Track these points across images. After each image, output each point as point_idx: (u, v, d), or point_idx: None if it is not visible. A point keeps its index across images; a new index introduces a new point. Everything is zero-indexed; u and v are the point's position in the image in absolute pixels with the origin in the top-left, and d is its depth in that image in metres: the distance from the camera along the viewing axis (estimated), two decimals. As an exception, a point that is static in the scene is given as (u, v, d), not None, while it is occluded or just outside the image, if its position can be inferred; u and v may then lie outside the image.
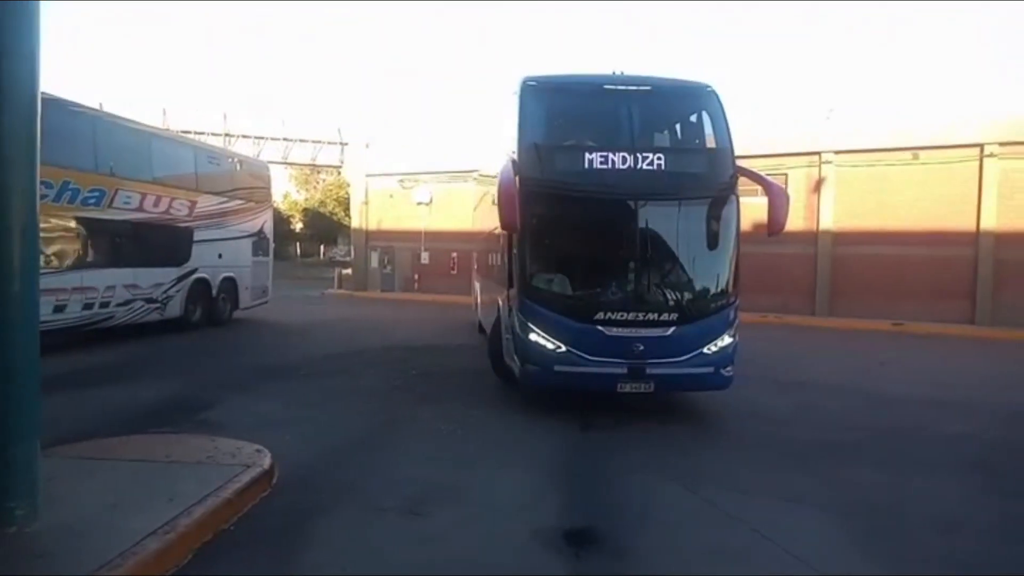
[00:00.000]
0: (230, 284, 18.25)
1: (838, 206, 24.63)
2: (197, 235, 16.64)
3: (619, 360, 8.25)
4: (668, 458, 7.07)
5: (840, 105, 28.70)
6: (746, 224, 9.08)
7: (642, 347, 8.24)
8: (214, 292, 17.52)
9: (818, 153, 24.76)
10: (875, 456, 7.35)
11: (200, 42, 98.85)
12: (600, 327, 8.24)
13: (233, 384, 10.23)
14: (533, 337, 8.44)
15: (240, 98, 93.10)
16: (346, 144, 37.52)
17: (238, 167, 19.36)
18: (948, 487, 6.39)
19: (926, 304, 22.78)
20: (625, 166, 8.37)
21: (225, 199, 17.94)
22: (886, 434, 8.33)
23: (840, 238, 24.52)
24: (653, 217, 8.47)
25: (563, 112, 9.42)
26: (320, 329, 18.44)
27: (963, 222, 22.87)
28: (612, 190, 8.40)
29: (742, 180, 8.91)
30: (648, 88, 9.28)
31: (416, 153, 33.14)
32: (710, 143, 9.20)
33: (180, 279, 16.14)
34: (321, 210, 65.14)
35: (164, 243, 15.65)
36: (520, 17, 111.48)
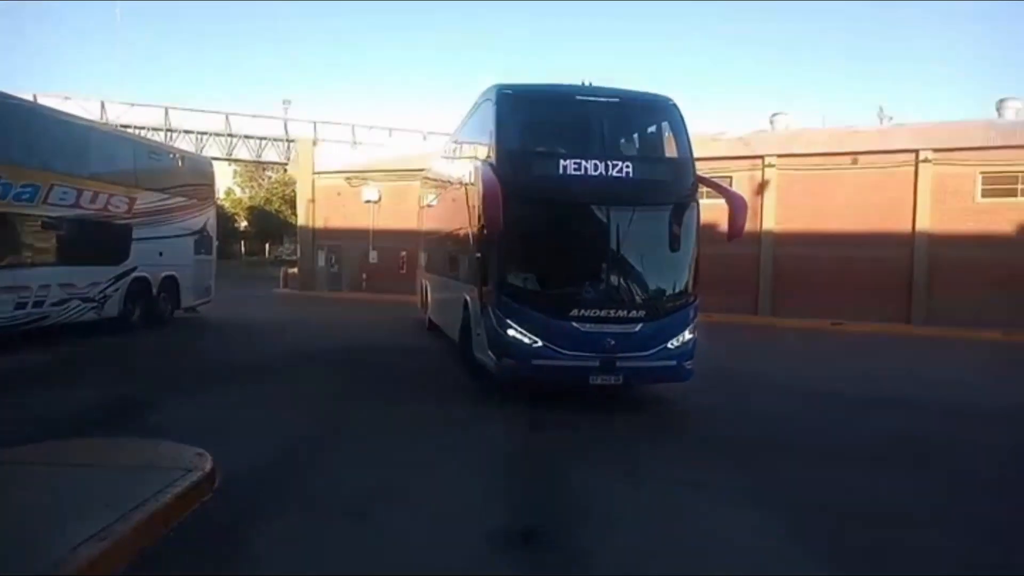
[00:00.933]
0: (171, 283, 17.75)
1: (780, 208, 25.23)
2: (136, 232, 16.15)
3: (591, 354, 8.74)
4: (615, 456, 7.15)
5: (783, 110, 29.36)
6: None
7: (613, 342, 8.76)
8: (154, 291, 17.02)
9: (761, 157, 25.35)
10: (812, 452, 7.54)
11: (141, 36, 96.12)
12: (575, 323, 8.75)
13: (174, 386, 9.96)
14: (511, 332, 8.87)
15: (182, 93, 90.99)
16: (292, 141, 36.91)
17: (180, 163, 18.90)
18: (882, 481, 6.59)
19: (864, 304, 23.48)
20: (597, 173, 8.94)
21: (166, 196, 17.45)
22: (823, 430, 8.58)
23: (782, 239, 25.12)
24: (622, 221, 8.96)
25: (537, 120, 9.92)
26: (265, 329, 18.14)
27: (899, 225, 23.67)
28: (585, 195, 8.98)
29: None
30: (617, 100, 9.91)
31: (365, 151, 32.82)
32: (673, 153, 9.83)
33: (118, 278, 15.64)
34: (267, 208, 64.03)
35: (102, 241, 15.15)
36: (470, 21, 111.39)
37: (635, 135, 10.60)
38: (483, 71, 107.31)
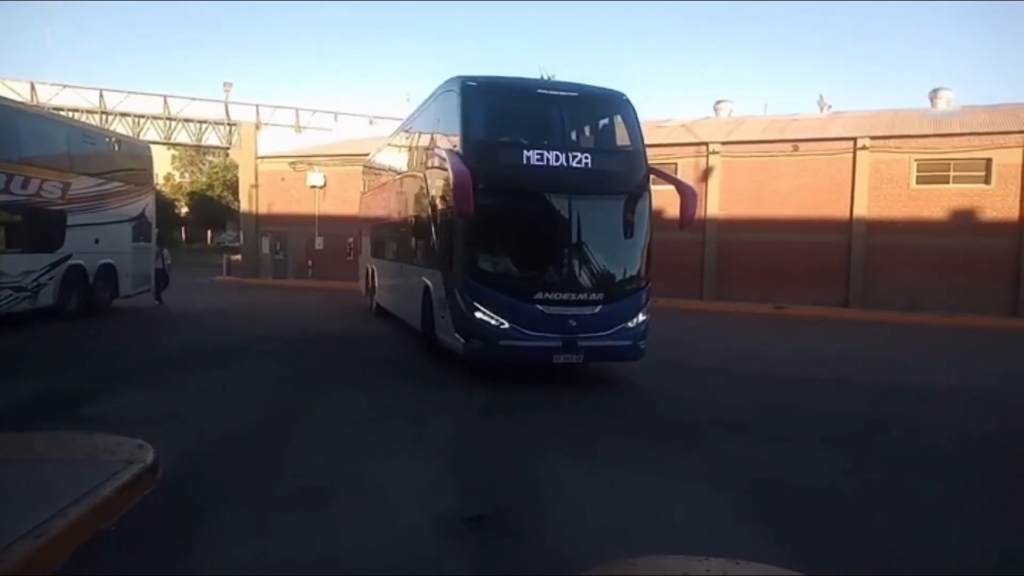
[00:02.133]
0: (109, 271, 17.24)
1: (724, 195, 25.69)
2: (71, 219, 15.63)
3: (554, 335, 9.29)
4: (566, 440, 7.21)
5: (726, 98, 29.83)
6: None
7: (574, 323, 9.32)
8: (91, 279, 16.51)
9: (705, 144, 25.74)
10: (759, 433, 7.73)
11: (72, 15, 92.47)
12: (539, 305, 9.27)
13: (113, 377, 9.70)
14: (478, 315, 9.31)
15: (118, 75, 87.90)
16: (234, 125, 35.99)
17: (116, 147, 18.34)
18: (823, 460, 6.79)
19: (805, 288, 24.12)
20: (558, 163, 9.46)
21: (102, 181, 16.93)
22: (768, 412, 8.78)
23: (725, 225, 25.59)
24: (582, 209, 9.44)
25: (500, 111, 10.30)
26: (208, 318, 17.78)
27: (838, 211, 24.34)
28: (548, 184, 9.44)
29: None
30: (575, 93, 10.39)
31: (309, 136, 32.26)
32: (626, 145, 10.38)
33: (53, 266, 15.12)
34: (208, 194, 62.51)
35: (34, 228, 14.64)
36: (416, 5, 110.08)
37: (592, 127, 11.03)
38: (429, 57, 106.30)
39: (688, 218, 10.18)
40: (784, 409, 8.96)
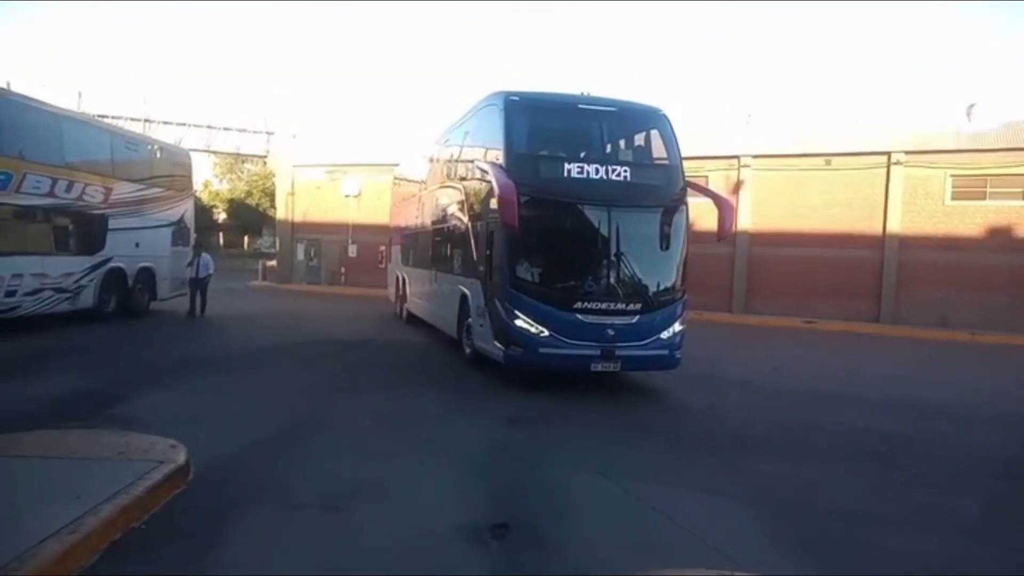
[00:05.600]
0: (147, 274, 17.69)
1: (755, 208, 25.51)
2: (112, 223, 16.09)
3: (593, 343, 9.52)
4: (590, 450, 7.27)
5: (758, 111, 29.61)
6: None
7: (612, 332, 9.56)
8: (130, 282, 16.95)
9: (737, 157, 25.59)
10: (784, 448, 7.73)
11: (121, 24, 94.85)
12: (578, 315, 9.52)
13: (148, 377, 9.97)
14: (519, 323, 9.58)
15: (161, 82, 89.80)
16: (272, 133, 36.71)
17: (158, 154, 18.80)
18: (851, 478, 6.76)
19: (835, 303, 23.87)
20: (598, 176, 9.71)
21: (143, 186, 17.40)
22: (795, 427, 8.75)
23: (756, 239, 25.40)
24: (621, 221, 9.68)
25: (542, 126, 10.69)
26: (242, 322, 18.08)
27: (870, 226, 24.05)
28: (588, 197, 9.68)
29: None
30: (614, 109, 10.71)
31: (345, 145, 32.71)
32: (663, 158, 10.60)
33: (93, 268, 15.57)
34: (246, 200, 63.46)
35: (76, 231, 15.12)
36: (446, 19, 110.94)
37: (630, 141, 11.31)
38: (463, 71, 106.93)
39: (725, 231, 10.48)
40: (811, 425, 8.92)
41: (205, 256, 18.67)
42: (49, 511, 4.42)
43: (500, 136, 10.09)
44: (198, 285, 18.23)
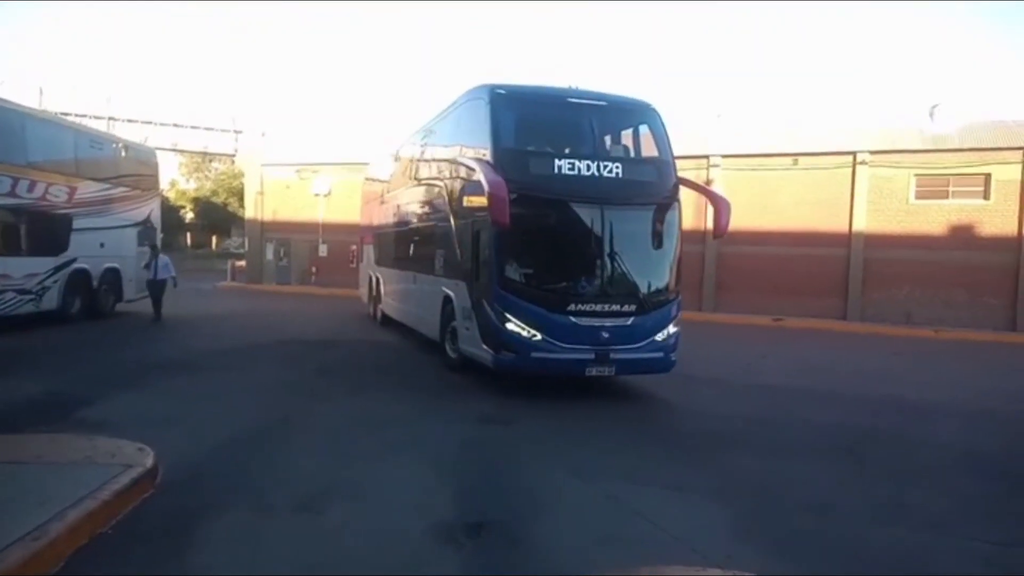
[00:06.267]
0: (113, 275, 17.43)
1: (725, 207, 25.68)
2: (77, 223, 15.83)
3: (587, 346, 9.22)
4: (562, 450, 7.30)
5: (727, 110, 29.91)
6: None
7: (607, 335, 9.26)
8: (95, 283, 16.69)
9: (706, 156, 25.82)
10: (755, 444, 7.82)
11: (83, 20, 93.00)
12: (572, 317, 9.19)
13: (115, 380, 9.81)
14: (510, 326, 9.22)
15: (126, 80, 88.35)
16: (240, 132, 36.37)
17: (123, 153, 18.51)
18: (820, 472, 6.88)
19: (803, 301, 24.21)
20: (589, 173, 9.41)
21: (108, 186, 17.15)
22: (764, 423, 8.87)
23: (725, 237, 25.52)
24: (615, 220, 9.40)
25: (530, 120, 10.31)
26: (211, 323, 17.89)
27: (837, 224, 24.42)
28: (580, 194, 9.36)
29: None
30: (604, 103, 10.45)
31: (314, 143, 32.46)
32: (655, 154, 10.36)
33: (57, 269, 15.30)
34: (213, 200, 62.73)
35: (39, 231, 14.83)
36: (412, 17, 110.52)
37: (621, 136, 10.94)
38: (433, 68, 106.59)
39: (722, 228, 10.35)
40: (782, 421, 9.04)
41: (163, 257, 17.51)
42: (13, 517, 4.35)
43: (486, 131, 9.74)
44: (157, 287, 17.28)
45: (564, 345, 9.19)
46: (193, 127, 36.81)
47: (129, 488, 5.11)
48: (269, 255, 33.28)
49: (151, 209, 19.37)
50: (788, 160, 25.00)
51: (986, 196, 22.91)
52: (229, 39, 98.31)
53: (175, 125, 36.26)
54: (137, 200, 18.51)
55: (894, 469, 7.13)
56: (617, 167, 9.64)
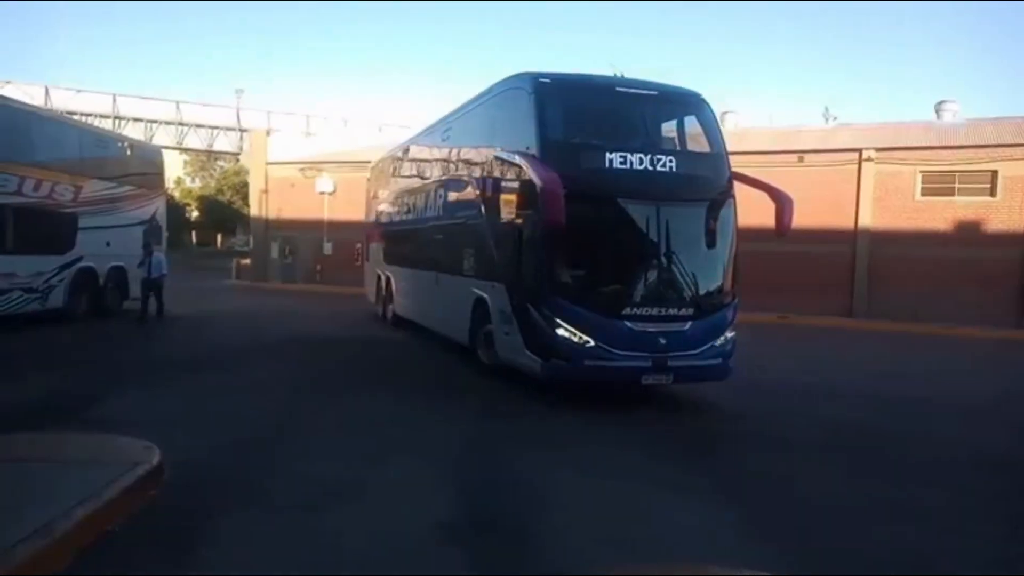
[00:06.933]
0: (119, 274, 17.45)
1: (731, 205, 25.63)
2: (83, 222, 15.87)
3: (644, 353, 8.61)
4: (564, 447, 7.28)
5: (732, 109, 29.85)
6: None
7: (664, 340, 8.66)
8: (101, 282, 16.73)
9: (712, 154, 25.73)
10: (756, 442, 7.82)
11: (89, 20, 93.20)
12: (627, 322, 8.59)
13: (121, 378, 9.83)
14: (561, 332, 8.59)
15: (131, 80, 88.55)
16: (245, 131, 36.34)
17: (128, 152, 18.57)
18: (820, 470, 6.84)
19: (808, 298, 24.11)
20: (642, 167, 8.82)
21: (114, 185, 17.17)
22: (767, 419, 8.86)
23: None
24: (671, 217, 8.81)
25: (577, 111, 9.66)
26: (217, 321, 17.91)
27: (842, 222, 24.33)
28: (633, 190, 8.78)
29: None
30: (655, 92, 9.80)
31: (319, 141, 32.48)
32: (706, 148, 9.78)
33: (63, 268, 15.33)
34: (219, 198, 62.89)
35: (45, 230, 14.85)
36: (426, 14, 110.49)
37: (672, 128, 10.25)
38: (438, 66, 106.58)
39: (785, 226, 9.61)
40: (782, 417, 9.03)
41: (157, 255, 17.06)
42: (20, 515, 4.34)
43: (530, 123, 9.05)
44: (151, 286, 16.85)
45: (620, 352, 8.58)
46: (198, 126, 36.86)
47: (136, 486, 5.10)
48: (274, 253, 33.33)
49: (156, 207, 19.39)
50: (793, 158, 24.91)
51: (992, 193, 22.80)
52: (237, 35, 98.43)
53: (180, 124, 36.30)
54: (142, 199, 18.55)
55: (902, 467, 7.07)
56: (671, 161, 9.05)
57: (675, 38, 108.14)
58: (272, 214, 33.42)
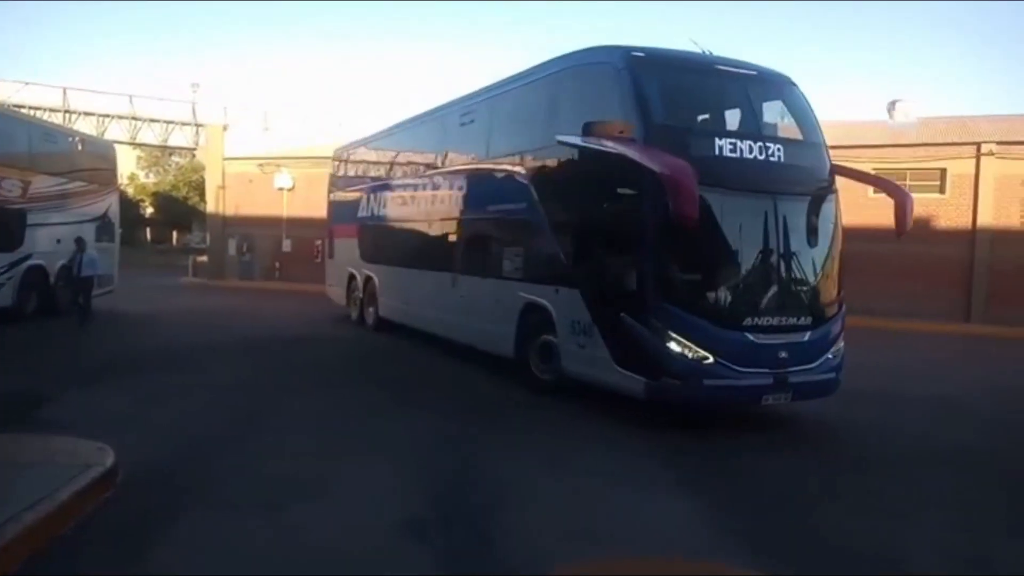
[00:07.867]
0: (71, 271, 16.97)
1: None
2: (31, 218, 15.46)
3: (765, 370, 7.59)
4: (535, 447, 7.25)
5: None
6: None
7: (784, 354, 7.66)
8: (51, 280, 16.30)
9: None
10: (739, 439, 7.79)
11: (39, 12, 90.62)
12: (749, 334, 7.56)
13: (73, 378, 9.61)
14: (675, 347, 7.44)
15: (83, 74, 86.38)
16: (201, 126, 35.66)
17: (79, 146, 18.16)
18: (792, 464, 6.94)
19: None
20: (751, 156, 7.85)
21: (64, 180, 16.77)
22: (750, 421, 8.64)
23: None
24: (787, 213, 7.89)
25: (676, 91, 8.59)
26: (173, 320, 17.58)
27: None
28: (746, 181, 7.78)
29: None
30: (754, 73, 8.86)
31: (277, 137, 32.02)
32: (804, 135, 8.84)
33: (12, 266, 14.93)
34: (174, 194, 61.65)
35: (-8, 227, 14.43)
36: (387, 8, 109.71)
37: (772, 113, 9.05)
38: (396, 62, 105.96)
39: (904, 225, 8.46)
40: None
41: (90, 253, 15.65)
42: (-33, 520, 4.24)
43: (627, 103, 7.89)
44: (79, 285, 15.46)
45: (741, 369, 7.48)
46: (152, 120, 36.07)
47: (89, 488, 5.02)
48: (232, 250, 32.78)
49: (109, 204, 19.00)
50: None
51: (942, 190, 23.46)
52: (192, 28, 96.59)
53: (134, 119, 35.46)
54: (95, 195, 18.15)
55: (865, 459, 7.20)
56: (779, 149, 8.04)
57: (637, 36, 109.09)
58: (229, 211, 32.82)
